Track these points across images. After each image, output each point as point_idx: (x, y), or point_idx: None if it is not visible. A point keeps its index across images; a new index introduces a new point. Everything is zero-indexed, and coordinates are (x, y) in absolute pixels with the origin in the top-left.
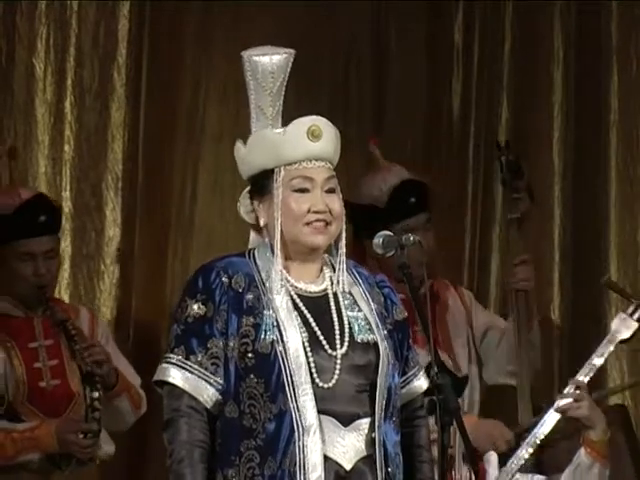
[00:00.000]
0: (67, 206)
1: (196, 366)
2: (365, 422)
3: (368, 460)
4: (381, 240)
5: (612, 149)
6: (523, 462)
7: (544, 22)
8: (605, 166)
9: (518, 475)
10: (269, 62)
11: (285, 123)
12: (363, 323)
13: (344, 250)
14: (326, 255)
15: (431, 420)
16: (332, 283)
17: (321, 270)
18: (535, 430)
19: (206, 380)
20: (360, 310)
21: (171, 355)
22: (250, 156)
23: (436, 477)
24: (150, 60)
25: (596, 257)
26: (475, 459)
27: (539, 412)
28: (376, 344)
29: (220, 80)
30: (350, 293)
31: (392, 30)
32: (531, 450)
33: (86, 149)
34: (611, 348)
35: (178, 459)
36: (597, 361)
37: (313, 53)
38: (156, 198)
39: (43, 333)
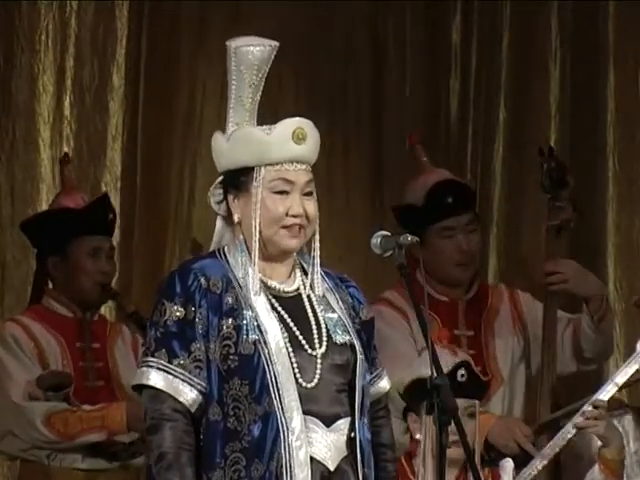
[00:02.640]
0: None
1: (179, 369)
2: (344, 422)
3: (348, 459)
4: (378, 240)
5: (609, 149)
6: (536, 473)
7: (542, 22)
8: (602, 166)
9: None
10: (254, 54)
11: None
12: (339, 324)
13: (318, 252)
14: (295, 255)
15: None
16: (304, 284)
17: (293, 269)
18: (552, 442)
19: (189, 383)
20: (334, 311)
21: (151, 359)
22: (232, 151)
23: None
24: (149, 60)
25: (594, 257)
26: (473, 458)
27: (557, 409)
28: (352, 344)
29: (218, 79)
30: (323, 295)
31: (390, 30)
32: (545, 462)
33: (85, 148)
34: (635, 367)
35: (166, 465)
36: (620, 380)
37: (312, 53)
38: (154, 197)
39: (91, 336)
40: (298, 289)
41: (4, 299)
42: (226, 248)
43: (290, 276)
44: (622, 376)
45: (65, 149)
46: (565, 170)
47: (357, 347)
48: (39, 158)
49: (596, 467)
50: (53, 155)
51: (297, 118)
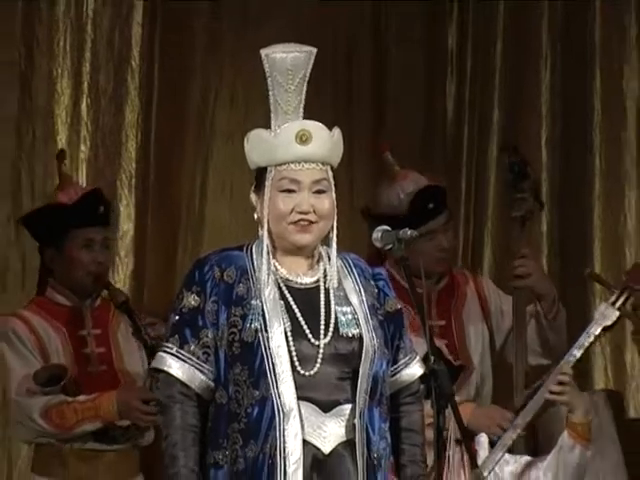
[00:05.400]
0: None
1: (189, 355)
2: (347, 408)
3: (348, 444)
4: (379, 235)
5: (596, 148)
6: (510, 443)
7: (533, 29)
8: (590, 164)
9: (506, 456)
10: (286, 60)
11: None
12: (350, 317)
13: (335, 247)
14: (324, 248)
15: (427, 404)
16: (325, 277)
17: (317, 262)
18: (522, 414)
19: (198, 368)
20: (350, 305)
21: (167, 344)
22: (249, 153)
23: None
24: (162, 64)
25: (581, 250)
26: (469, 441)
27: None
28: (361, 337)
29: (229, 82)
30: (342, 287)
31: (391, 36)
32: (519, 431)
33: (101, 149)
34: (595, 334)
35: (172, 443)
36: (583, 342)
37: (318, 58)
38: (167, 195)
39: (92, 322)
40: (318, 281)
41: (24, 288)
42: (255, 242)
43: (312, 269)
44: (581, 346)
45: (82, 149)
46: (526, 163)
47: (366, 338)
48: None
49: (565, 432)
50: (71, 154)
51: (302, 121)
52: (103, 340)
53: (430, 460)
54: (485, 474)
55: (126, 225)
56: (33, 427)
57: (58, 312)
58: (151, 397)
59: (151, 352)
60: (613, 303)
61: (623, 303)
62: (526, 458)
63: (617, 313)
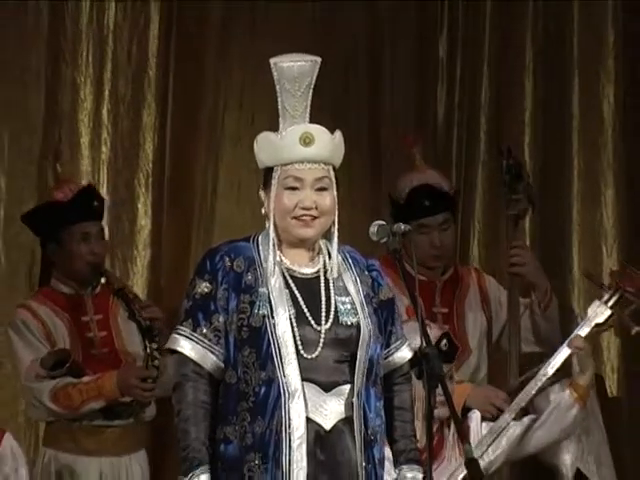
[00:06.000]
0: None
1: (201, 337)
2: (346, 388)
3: (347, 421)
4: (375, 229)
5: (574, 151)
6: (505, 426)
7: (518, 40)
8: (569, 166)
9: (512, 422)
10: (293, 68)
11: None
12: (349, 307)
13: (336, 240)
14: (324, 242)
15: (420, 385)
16: (325, 268)
17: (317, 255)
18: (517, 400)
19: (210, 350)
20: (348, 295)
21: (181, 327)
22: (258, 153)
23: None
24: (176, 73)
25: (561, 247)
26: (458, 419)
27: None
28: (359, 324)
29: (237, 89)
30: (342, 279)
31: (386, 46)
32: (513, 414)
33: (121, 150)
34: (587, 331)
35: (184, 418)
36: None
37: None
38: (181, 192)
39: (93, 309)
40: (318, 272)
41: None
42: (261, 235)
43: (313, 260)
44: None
45: (103, 150)
46: (522, 166)
47: (362, 325)
48: (81, 158)
49: (567, 391)
50: (93, 155)
51: (306, 124)
52: (104, 324)
53: (420, 435)
54: (479, 454)
55: (143, 220)
56: (43, 410)
57: (62, 300)
58: (148, 375)
59: (145, 333)
60: (606, 302)
61: (615, 302)
62: (529, 417)
63: (609, 312)
